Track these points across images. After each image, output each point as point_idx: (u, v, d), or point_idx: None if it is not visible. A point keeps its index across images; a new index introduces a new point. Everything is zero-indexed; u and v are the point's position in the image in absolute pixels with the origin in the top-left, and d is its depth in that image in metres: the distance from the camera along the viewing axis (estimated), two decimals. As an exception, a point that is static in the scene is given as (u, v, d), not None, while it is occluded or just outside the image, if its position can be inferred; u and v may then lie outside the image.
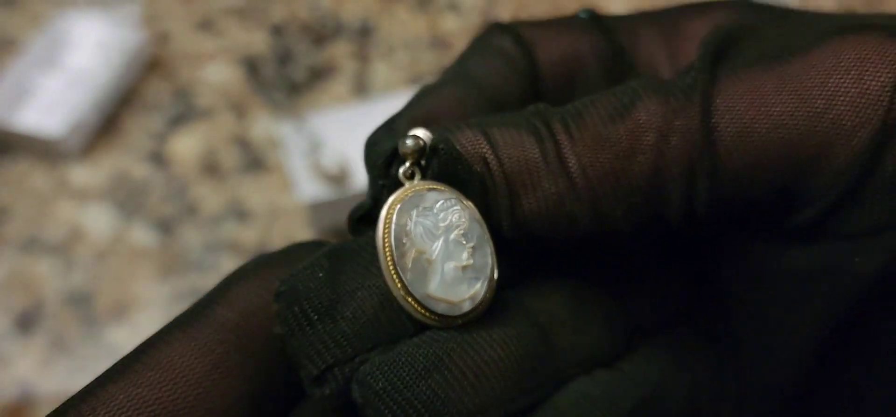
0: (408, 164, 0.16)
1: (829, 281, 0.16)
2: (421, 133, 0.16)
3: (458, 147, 0.16)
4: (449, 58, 0.64)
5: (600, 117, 0.16)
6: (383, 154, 0.16)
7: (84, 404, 0.14)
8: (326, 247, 0.16)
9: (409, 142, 0.16)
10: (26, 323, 0.48)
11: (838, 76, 0.15)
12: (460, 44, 0.64)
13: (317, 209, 0.52)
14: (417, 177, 0.16)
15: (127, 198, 0.55)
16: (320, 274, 0.15)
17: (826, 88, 0.15)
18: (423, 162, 0.16)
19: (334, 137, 0.55)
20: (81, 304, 0.49)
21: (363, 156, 0.17)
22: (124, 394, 0.14)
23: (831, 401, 0.18)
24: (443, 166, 0.16)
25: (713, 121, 0.16)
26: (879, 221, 0.16)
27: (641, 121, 0.16)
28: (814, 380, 0.18)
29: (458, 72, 0.19)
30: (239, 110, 0.61)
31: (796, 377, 0.18)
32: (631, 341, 0.18)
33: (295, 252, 0.17)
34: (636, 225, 0.16)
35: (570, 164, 0.16)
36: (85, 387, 0.14)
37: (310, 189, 0.53)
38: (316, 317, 0.14)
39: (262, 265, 0.16)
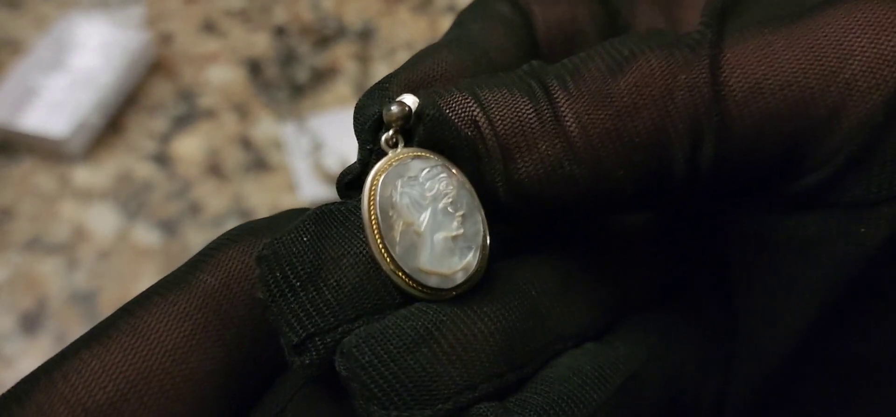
0: (391, 132, 0.15)
1: (830, 251, 0.16)
2: (408, 99, 0.15)
3: (447, 111, 0.15)
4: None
5: (599, 71, 0.15)
6: (370, 118, 0.16)
7: (57, 369, 0.14)
8: (313, 210, 0.15)
9: (394, 108, 0.15)
10: (30, 322, 0.49)
11: (853, 36, 0.15)
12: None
13: (319, 209, 0.52)
14: (401, 144, 0.15)
15: (130, 198, 0.55)
16: (305, 239, 0.14)
17: (840, 48, 0.15)
18: (410, 128, 0.16)
19: (336, 138, 0.55)
20: (85, 304, 0.50)
21: (352, 119, 0.17)
22: (98, 360, 0.14)
23: (825, 376, 0.18)
24: (428, 132, 0.15)
25: (723, 76, 0.15)
26: (885, 192, 0.15)
27: (644, 75, 0.15)
28: (809, 354, 0.17)
29: (457, 36, 0.18)
30: (242, 111, 0.61)
31: (791, 350, 0.17)
32: (619, 316, 0.17)
33: (281, 219, 0.16)
34: (639, 184, 0.15)
35: (569, 123, 0.15)
36: (60, 352, 0.14)
37: (312, 189, 0.53)
38: (298, 284, 0.14)
39: (246, 231, 0.16)
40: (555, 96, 0.15)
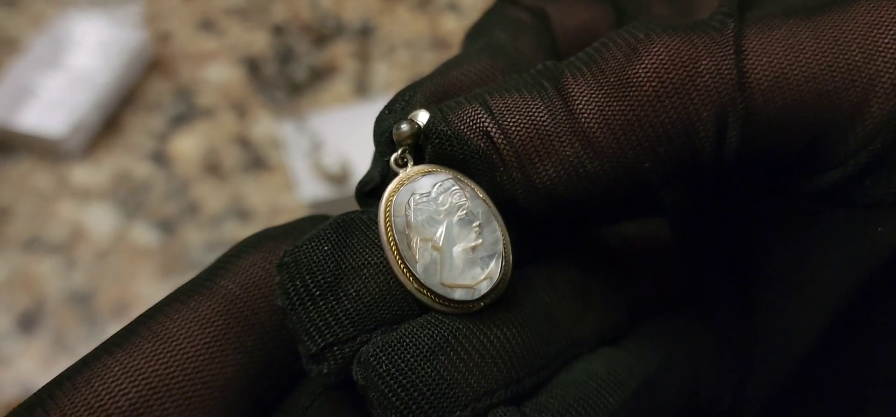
0: (400, 152, 0.15)
1: (849, 249, 0.16)
2: (420, 116, 0.15)
3: (458, 124, 0.15)
4: (449, 57, 0.64)
5: (616, 59, 0.15)
6: (387, 131, 0.16)
7: (79, 375, 0.14)
8: (334, 218, 0.15)
9: (404, 127, 0.15)
10: (28, 322, 0.48)
11: (878, 32, 0.15)
12: (460, 44, 0.64)
13: (318, 208, 0.52)
14: (411, 163, 0.15)
15: (128, 198, 0.55)
16: (325, 248, 0.14)
17: (866, 44, 0.15)
18: (422, 144, 0.16)
19: (335, 137, 0.55)
20: (83, 304, 0.49)
21: (373, 130, 0.17)
22: (120, 366, 0.14)
23: (842, 375, 0.18)
24: (436, 150, 0.15)
25: (748, 63, 0.15)
26: None
27: (663, 61, 0.14)
28: (827, 357, 0.17)
29: (486, 44, 0.18)
30: (240, 110, 0.61)
31: (810, 352, 0.17)
32: (634, 321, 0.17)
33: (301, 225, 0.16)
34: (665, 176, 0.15)
35: (587, 118, 0.15)
36: (82, 358, 0.14)
37: (311, 188, 0.53)
38: (318, 293, 0.14)
39: (267, 237, 0.16)
40: (570, 92, 0.15)
